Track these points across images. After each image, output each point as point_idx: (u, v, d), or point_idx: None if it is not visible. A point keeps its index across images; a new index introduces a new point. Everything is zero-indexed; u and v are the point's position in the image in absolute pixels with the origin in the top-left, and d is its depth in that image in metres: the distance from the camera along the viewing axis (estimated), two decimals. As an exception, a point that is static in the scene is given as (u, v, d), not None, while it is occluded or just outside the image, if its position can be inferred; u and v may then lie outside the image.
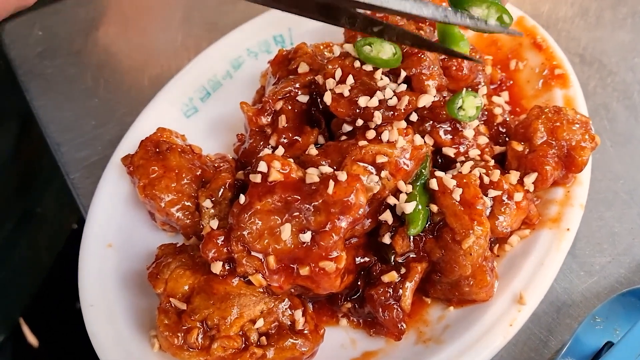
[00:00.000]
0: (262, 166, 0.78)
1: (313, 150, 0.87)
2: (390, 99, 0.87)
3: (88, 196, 1.05)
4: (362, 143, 0.84)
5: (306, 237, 0.76)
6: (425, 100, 0.89)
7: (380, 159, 0.82)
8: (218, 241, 0.79)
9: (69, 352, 1.67)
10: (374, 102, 0.86)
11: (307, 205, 0.76)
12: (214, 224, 0.84)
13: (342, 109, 0.88)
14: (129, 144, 1.04)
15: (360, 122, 0.88)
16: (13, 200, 1.44)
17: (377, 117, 0.86)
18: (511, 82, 1.09)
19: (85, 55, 1.32)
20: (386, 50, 0.89)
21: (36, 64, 1.30)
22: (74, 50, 1.33)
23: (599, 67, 1.18)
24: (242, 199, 0.79)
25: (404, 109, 0.87)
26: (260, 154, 0.84)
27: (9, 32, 1.35)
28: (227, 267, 0.80)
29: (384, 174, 0.83)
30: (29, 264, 1.53)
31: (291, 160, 0.81)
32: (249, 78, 1.13)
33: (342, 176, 0.77)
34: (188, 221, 0.91)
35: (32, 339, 1.66)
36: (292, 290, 0.82)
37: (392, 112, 0.87)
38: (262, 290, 0.80)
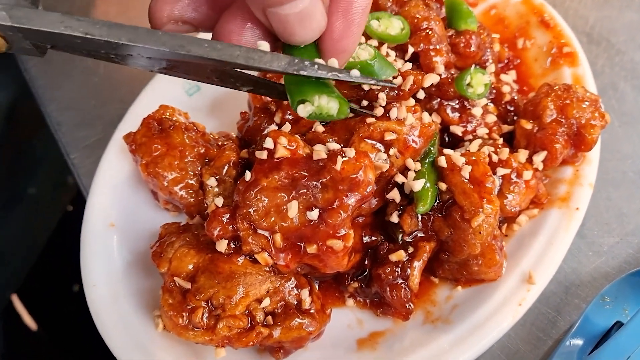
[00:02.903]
0: (269, 142, 0.76)
1: (319, 128, 0.86)
2: (395, 78, 0.85)
3: (89, 176, 1.04)
4: (370, 120, 0.83)
5: (313, 214, 0.74)
6: (430, 80, 0.87)
7: (389, 136, 0.81)
8: (223, 219, 0.77)
9: (64, 331, 1.67)
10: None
11: (315, 182, 0.74)
12: (219, 201, 0.82)
13: (345, 91, 0.86)
14: (130, 122, 1.02)
15: (365, 102, 0.87)
16: (3, 180, 1.42)
17: (382, 99, 0.84)
18: (518, 60, 1.08)
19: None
20: (394, 25, 0.87)
21: (35, 43, 1.28)
22: (74, 28, 1.31)
23: (606, 46, 1.17)
24: (247, 175, 0.77)
25: (408, 89, 0.85)
26: (266, 131, 0.82)
27: (7, 11, 1.33)
28: (233, 246, 0.78)
29: (392, 151, 0.81)
30: (21, 243, 1.52)
31: (297, 136, 0.79)
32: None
33: (350, 152, 0.75)
34: (192, 200, 0.89)
35: (27, 319, 1.66)
36: (299, 269, 0.81)
37: (396, 92, 0.85)
38: (268, 269, 0.79)
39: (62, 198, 1.64)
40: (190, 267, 0.80)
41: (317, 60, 0.68)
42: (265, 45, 0.66)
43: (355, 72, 0.68)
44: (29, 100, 1.24)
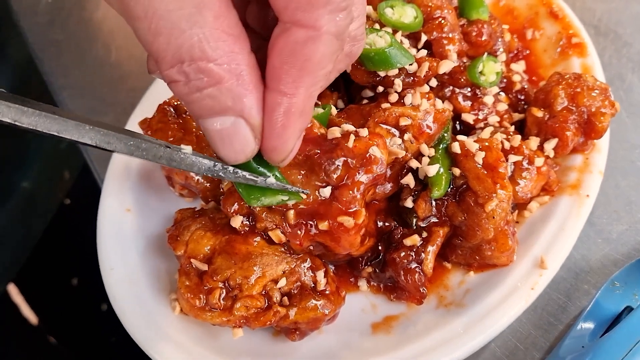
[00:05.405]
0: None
1: (334, 111, 0.87)
2: (411, 65, 0.86)
3: (102, 162, 1.04)
4: (385, 105, 0.84)
5: (326, 192, 0.75)
6: (446, 67, 0.89)
7: (404, 122, 0.82)
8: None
9: (63, 325, 1.68)
10: (393, 70, 0.85)
11: (328, 160, 0.75)
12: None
13: (361, 77, 0.87)
14: (144, 109, 1.03)
15: (380, 89, 0.88)
16: None
17: (397, 85, 0.86)
18: (528, 51, 1.09)
19: (96, 22, 1.31)
20: (408, 14, 0.88)
21: (46, 32, 1.29)
22: (85, 18, 1.32)
23: (614, 38, 1.18)
24: None
25: (424, 75, 0.86)
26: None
27: (18, 0, 1.33)
28: (246, 222, 0.79)
29: (407, 136, 0.82)
30: (15, 235, 1.52)
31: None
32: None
33: (364, 132, 0.76)
34: (208, 184, 0.90)
35: (26, 311, 1.66)
36: (311, 247, 0.81)
37: (412, 79, 0.87)
38: (283, 249, 0.80)
39: (58, 192, 1.65)
40: (207, 249, 0.80)
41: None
42: (188, 149, 0.64)
43: (271, 180, 0.67)
44: (32, 89, 1.24)
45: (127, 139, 0.61)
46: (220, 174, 0.65)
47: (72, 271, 1.72)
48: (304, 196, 0.74)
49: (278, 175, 0.69)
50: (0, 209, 1.44)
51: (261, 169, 0.67)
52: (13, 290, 1.67)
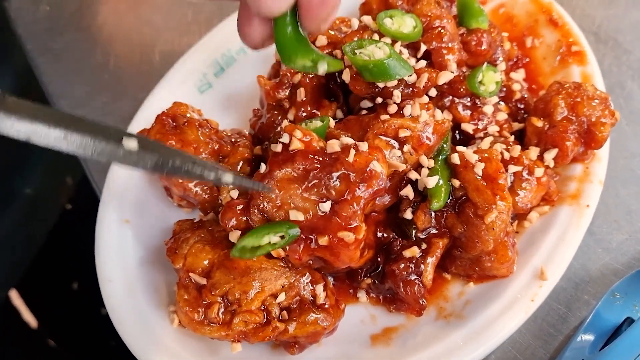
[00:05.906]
0: (285, 137, 0.77)
1: (332, 123, 0.86)
2: (410, 76, 0.86)
3: (101, 172, 1.04)
4: (384, 117, 0.83)
5: (325, 206, 0.74)
6: (445, 78, 0.88)
7: (403, 133, 0.81)
8: (237, 209, 0.78)
9: (63, 329, 1.67)
10: (392, 81, 0.85)
11: (327, 174, 0.75)
12: (234, 194, 0.83)
13: (360, 87, 0.87)
14: (142, 119, 1.02)
15: (379, 99, 0.88)
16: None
17: (397, 96, 0.85)
18: (527, 59, 1.08)
19: (94, 30, 1.31)
20: (407, 24, 0.88)
21: (45, 40, 1.28)
22: (84, 25, 1.31)
23: (613, 45, 1.17)
24: (262, 168, 0.78)
25: (423, 86, 0.86)
26: (282, 125, 0.83)
27: (16, 8, 1.33)
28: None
29: (406, 148, 0.82)
30: (16, 241, 1.52)
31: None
32: (263, 53, 1.10)
33: (364, 146, 0.76)
34: (206, 196, 0.90)
35: (27, 316, 1.66)
36: (310, 262, 0.80)
37: (411, 89, 0.86)
38: (283, 264, 0.79)
39: (60, 198, 1.64)
40: (206, 262, 0.80)
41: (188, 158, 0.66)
42: (133, 144, 0.62)
43: (227, 178, 0.66)
44: (31, 97, 1.24)
45: (68, 135, 0.59)
46: (168, 170, 0.64)
47: (72, 276, 1.72)
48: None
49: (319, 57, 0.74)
50: (3, 215, 1.44)
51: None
52: (14, 294, 1.66)
